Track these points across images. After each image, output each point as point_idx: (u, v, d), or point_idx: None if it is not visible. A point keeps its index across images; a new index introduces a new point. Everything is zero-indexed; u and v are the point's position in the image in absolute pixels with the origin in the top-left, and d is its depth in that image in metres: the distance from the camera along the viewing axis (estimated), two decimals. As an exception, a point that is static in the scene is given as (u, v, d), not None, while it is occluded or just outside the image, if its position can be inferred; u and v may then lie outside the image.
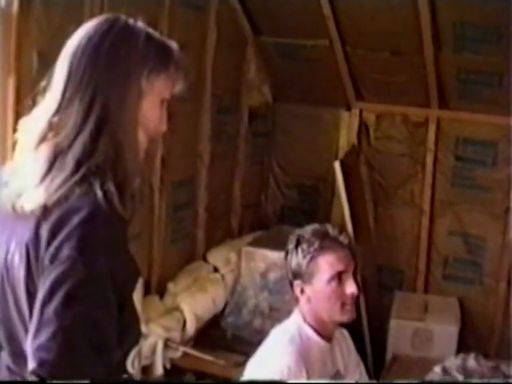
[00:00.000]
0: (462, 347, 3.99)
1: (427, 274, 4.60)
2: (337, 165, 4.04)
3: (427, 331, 4.11)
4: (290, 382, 2.23)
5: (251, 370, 2.40)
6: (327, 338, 2.47)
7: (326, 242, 2.40)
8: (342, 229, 2.69)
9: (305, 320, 2.44)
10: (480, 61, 4.02)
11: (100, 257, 1.43)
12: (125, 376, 1.65)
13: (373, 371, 4.03)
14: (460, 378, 1.68)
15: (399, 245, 4.63)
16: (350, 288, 2.40)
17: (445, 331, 4.07)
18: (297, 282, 2.42)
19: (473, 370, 1.71)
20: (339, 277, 2.39)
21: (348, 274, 2.41)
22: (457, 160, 4.46)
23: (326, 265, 2.39)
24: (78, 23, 1.60)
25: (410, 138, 4.54)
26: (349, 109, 4.68)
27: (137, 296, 2.80)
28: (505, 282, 4.43)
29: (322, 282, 2.39)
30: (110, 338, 1.46)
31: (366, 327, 4.18)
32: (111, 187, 1.48)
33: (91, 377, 1.38)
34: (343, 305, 2.41)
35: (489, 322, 4.53)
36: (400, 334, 4.15)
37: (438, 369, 1.76)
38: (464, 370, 1.71)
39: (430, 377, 1.76)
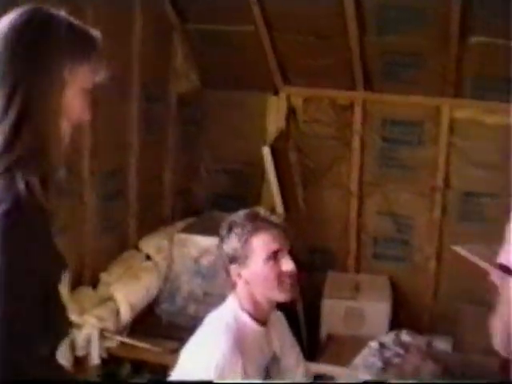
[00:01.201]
0: (394, 324, 4.07)
1: (358, 253, 4.68)
2: (265, 150, 4.06)
3: (359, 309, 4.19)
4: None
5: (186, 358, 2.40)
6: (263, 322, 2.48)
7: (258, 223, 2.42)
8: (272, 211, 2.72)
9: (241, 306, 2.45)
10: (403, 43, 4.09)
11: (21, 249, 1.43)
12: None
13: (308, 351, 4.08)
14: (399, 350, 1.74)
15: (329, 226, 4.69)
16: (287, 266, 2.42)
17: (376, 309, 4.15)
18: (233, 267, 2.43)
19: (408, 343, 1.78)
20: (275, 256, 2.41)
21: (283, 253, 2.44)
22: (383, 141, 4.54)
23: (261, 245, 2.40)
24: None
25: (337, 121, 4.59)
26: (276, 93, 4.69)
27: (63, 288, 2.79)
28: (433, 259, 4.54)
29: (259, 263, 2.40)
30: (31, 329, 1.45)
31: (300, 308, 4.23)
32: (33, 179, 1.47)
33: (12, 367, 1.38)
34: (282, 283, 2.42)
35: (419, 298, 4.63)
36: (333, 313, 4.21)
37: (374, 344, 1.83)
38: (400, 343, 1.78)
39: (365, 352, 1.82)
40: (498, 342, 2.05)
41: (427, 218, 4.54)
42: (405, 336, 1.78)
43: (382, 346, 1.76)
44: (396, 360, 1.70)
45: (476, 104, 4.33)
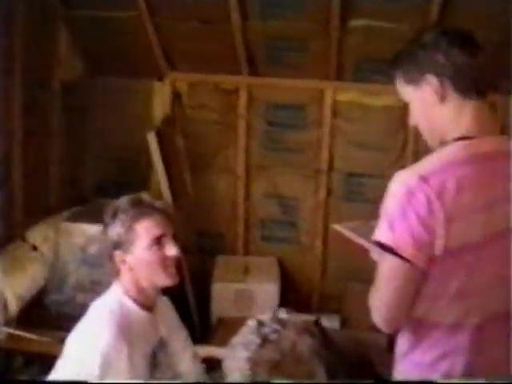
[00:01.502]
0: (284, 304, 4.12)
1: (246, 236, 4.73)
2: (151, 136, 4.05)
3: (248, 291, 4.24)
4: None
5: (71, 347, 2.38)
6: (148, 307, 2.49)
7: (141, 208, 2.43)
8: (161, 198, 2.72)
9: (125, 292, 2.45)
10: (286, 27, 4.13)
11: None
12: None
13: (200, 335, 4.11)
14: (276, 327, 1.78)
15: (217, 210, 4.72)
16: (171, 251, 2.44)
17: (265, 290, 4.20)
18: (117, 253, 2.42)
19: (286, 320, 1.82)
20: (159, 241, 2.43)
21: (167, 238, 2.45)
22: (268, 125, 4.59)
23: (144, 231, 2.41)
24: None
25: (223, 106, 4.61)
26: (161, 79, 4.66)
27: None
28: (320, 240, 4.63)
29: (143, 249, 2.41)
30: None
31: (190, 293, 4.25)
32: None
33: None
34: (166, 268, 2.44)
35: (308, 278, 4.73)
36: (223, 296, 4.24)
37: (252, 322, 1.86)
38: (277, 320, 1.82)
39: (244, 330, 1.85)
40: (376, 317, 2.12)
41: (313, 199, 4.62)
42: (282, 313, 1.83)
43: (260, 323, 1.80)
44: (273, 336, 1.75)
45: (358, 87, 4.44)
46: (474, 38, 2.03)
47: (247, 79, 4.55)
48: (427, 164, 1.95)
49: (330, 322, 4.12)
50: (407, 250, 1.89)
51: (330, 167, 4.56)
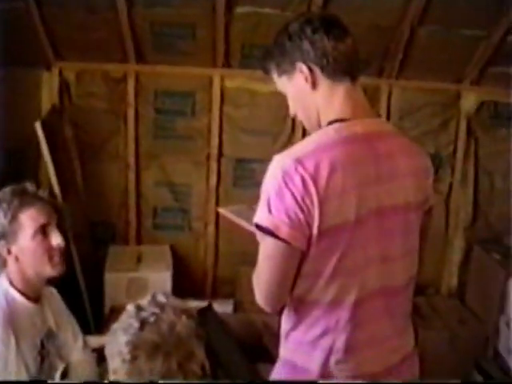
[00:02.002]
0: (177, 291, 4.13)
1: (138, 225, 4.70)
2: (38, 126, 3.98)
3: (141, 280, 4.22)
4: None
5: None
6: (35, 298, 2.47)
7: (24, 198, 2.40)
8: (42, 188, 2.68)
9: (11, 283, 2.42)
10: (172, 14, 4.11)
11: None
12: None
13: (93, 325, 4.08)
14: (155, 310, 1.79)
15: (109, 199, 4.67)
16: (56, 240, 2.42)
17: (158, 278, 4.20)
18: (2, 243, 2.39)
19: (164, 303, 1.82)
20: (43, 230, 2.41)
21: (52, 227, 2.44)
22: (157, 113, 4.56)
23: (28, 220, 2.39)
24: None
25: (111, 94, 4.55)
26: (49, 69, 4.58)
27: None
28: (212, 226, 4.66)
29: (27, 238, 2.39)
30: None
31: (82, 283, 4.20)
32: None
33: None
34: (51, 258, 2.43)
35: (201, 264, 4.75)
36: (116, 285, 4.22)
37: (130, 307, 1.85)
38: (155, 303, 1.83)
39: (124, 316, 1.84)
40: (259, 298, 2.16)
41: (204, 185, 4.64)
42: (160, 297, 1.83)
43: (139, 308, 1.80)
44: (152, 319, 1.75)
45: (246, 73, 4.46)
46: (339, 23, 2.08)
47: (135, 67, 4.50)
48: (302, 147, 2.00)
49: (224, 307, 4.16)
50: (284, 231, 1.93)
51: (220, 153, 4.58)
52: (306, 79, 2.04)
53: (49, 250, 2.42)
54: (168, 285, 4.25)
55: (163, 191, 4.66)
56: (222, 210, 2.64)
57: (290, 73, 2.08)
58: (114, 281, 4.22)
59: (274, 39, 2.11)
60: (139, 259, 4.42)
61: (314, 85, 2.05)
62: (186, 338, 1.76)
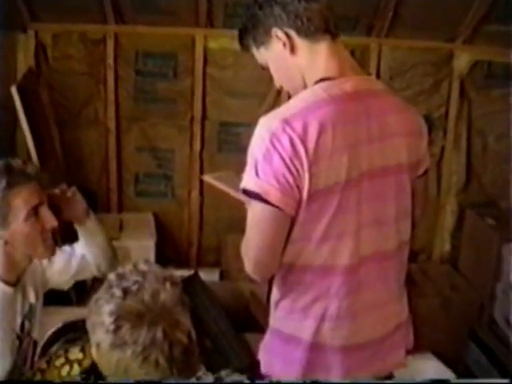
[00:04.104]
0: (161, 260, 4.04)
1: (120, 192, 4.57)
2: (13, 90, 3.83)
3: (124, 248, 4.08)
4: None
5: None
6: (15, 281, 2.33)
7: (12, 178, 2.21)
8: (26, 160, 2.52)
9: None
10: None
11: None
12: None
13: (75, 297, 3.97)
14: (137, 278, 1.70)
15: (88, 166, 4.53)
16: (50, 222, 2.28)
17: (141, 247, 4.09)
18: None
19: (146, 271, 1.75)
20: (35, 212, 2.25)
21: (44, 207, 2.27)
22: (137, 75, 4.41)
23: (20, 202, 2.20)
24: None
25: (90, 56, 4.39)
26: (25, 31, 4.40)
27: None
28: (196, 192, 4.54)
29: (19, 222, 2.21)
30: None
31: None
32: None
33: None
34: (44, 241, 2.29)
35: (186, 232, 4.65)
36: (97, 255, 4.10)
37: (112, 276, 1.77)
38: (137, 271, 1.75)
39: (105, 285, 1.75)
40: (248, 265, 2.08)
41: (187, 150, 4.52)
42: (142, 265, 1.75)
43: (121, 277, 1.72)
44: (134, 287, 1.67)
45: (229, 33, 4.28)
46: None
47: (114, 28, 4.35)
48: (289, 108, 1.94)
49: (210, 276, 4.07)
50: (273, 195, 1.87)
51: (204, 117, 4.45)
52: (284, 44, 1.99)
53: (42, 232, 2.28)
54: (151, 254, 4.15)
55: (145, 157, 4.53)
56: (206, 178, 2.59)
57: (267, 42, 2.02)
58: (95, 250, 4.09)
59: (245, 14, 2.07)
60: (121, 227, 4.31)
61: (292, 49, 1.99)
62: (171, 306, 1.70)
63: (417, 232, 4.56)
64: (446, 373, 3.86)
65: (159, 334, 1.64)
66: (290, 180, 1.86)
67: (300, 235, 1.96)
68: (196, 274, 3.91)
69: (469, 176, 4.67)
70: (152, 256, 4.14)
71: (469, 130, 4.62)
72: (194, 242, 4.64)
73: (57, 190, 2.46)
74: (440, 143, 4.62)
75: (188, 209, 4.60)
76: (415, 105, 4.19)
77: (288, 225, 1.95)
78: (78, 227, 2.63)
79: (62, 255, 2.61)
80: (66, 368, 2.51)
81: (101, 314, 1.68)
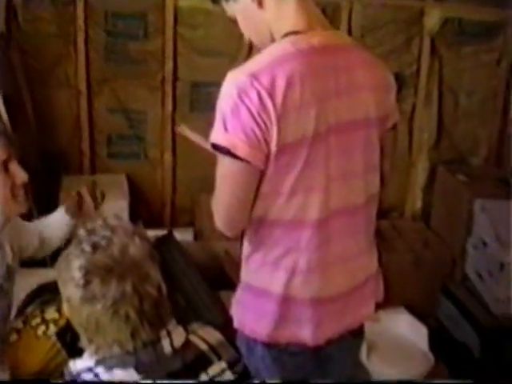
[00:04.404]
0: (135, 221, 4.03)
1: (92, 154, 4.53)
2: (-18, 52, 3.79)
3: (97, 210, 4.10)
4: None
5: None
6: None
7: None
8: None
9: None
10: None
11: None
12: None
13: (49, 259, 3.96)
14: (106, 233, 1.72)
15: (60, 128, 4.48)
16: (20, 176, 2.28)
17: (114, 207, 4.03)
18: None
19: (115, 226, 1.77)
20: (5, 167, 2.25)
21: (13, 163, 2.28)
22: (108, 36, 4.35)
23: None
24: None
25: (60, 17, 4.31)
26: (-5, -6, 4.33)
27: None
28: (169, 152, 4.52)
29: None
30: None
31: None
32: None
33: None
34: (16, 197, 2.29)
35: (159, 193, 4.63)
36: (70, 217, 4.09)
37: (82, 231, 1.78)
38: (107, 226, 1.76)
39: (75, 241, 1.76)
40: (218, 221, 2.10)
41: (159, 111, 4.48)
42: (112, 220, 1.76)
43: (90, 232, 1.74)
44: (103, 242, 1.69)
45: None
46: None
47: (83, -13, 4.27)
48: (257, 62, 1.93)
49: (184, 235, 4.08)
50: (242, 149, 1.88)
51: (176, 77, 4.41)
52: None
53: (12, 188, 2.28)
54: (125, 214, 4.14)
55: (117, 118, 4.49)
56: (182, 128, 2.60)
57: None
58: (68, 212, 4.07)
59: None
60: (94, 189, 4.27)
61: (260, 2, 1.98)
62: (140, 260, 1.71)
63: (389, 189, 4.64)
64: (418, 327, 3.93)
65: (128, 288, 1.66)
66: (258, 134, 1.87)
67: (269, 189, 1.98)
68: (170, 234, 3.91)
69: (440, 133, 4.69)
70: (125, 216, 4.14)
71: (440, 88, 4.62)
72: (167, 203, 4.63)
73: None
74: (411, 100, 4.62)
75: (161, 169, 4.58)
76: (386, 62, 4.19)
77: (257, 179, 1.96)
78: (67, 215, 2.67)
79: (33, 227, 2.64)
80: (42, 328, 2.54)
81: (71, 269, 1.70)
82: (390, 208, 4.75)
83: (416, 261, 4.20)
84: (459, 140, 4.72)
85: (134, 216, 4.21)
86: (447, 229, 4.44)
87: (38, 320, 2.58)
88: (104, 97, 4.45)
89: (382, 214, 4.59)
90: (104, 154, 4.55)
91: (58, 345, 2.55)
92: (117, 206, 4.09)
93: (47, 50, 4.37)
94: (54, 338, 2.55)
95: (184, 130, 2.56)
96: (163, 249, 3.69)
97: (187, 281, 3.56)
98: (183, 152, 4.43)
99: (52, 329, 2.56)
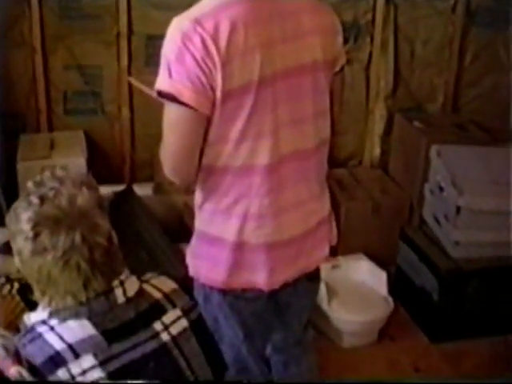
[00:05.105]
0: (95, 178, 4.01)
1: (49, 112, 4.46)
2: None
3: (55, 167, 4.07)
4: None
5: None
6: None
7: None
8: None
9: None
10: None
11: None
12: None
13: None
14: (54, 184, 1.72)
15: (16, 87, 4.40)
16: None
17: (72, 164, 4.03)
18: None
19: (63, 176, 1.76)
20: None
21: None
22: (61, -9, 4.28)
23: None
24: None
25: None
26: None
27: None
28: (127, 108, 4.47)
29: None
30: None
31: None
32: None
33: None
34: None
35: (118, 149, 4.58)
36: (29, 175, 3.95)
37: (29, 184, 1.77)
38: (54, 178, 1.76)
39: (24, 194, 1.76)
40: (166, 169, 2.11)
41: (115, 66, 4.41)
42: (60, 171, 1.77)
43: (38, 184, 1.74)
44: (51, 193, 1.69)
45: None
46: None
47: None
48: (201, 8, 1.94)
49: (143, 190, 4.07)
50: (187, 96, 1.90)
51: (131, 31, 4.35)
52: None
53: None
54: (83, 171, 4.10)
55: (73, 74, 4.41)
56: (131, 79, 2.60)
57: None
58: (26, 170, 4.03)
59: None
60: (52, 146, 4.24)
61: None
62: (88, 210, 1.72)
63: (347, 138, 4.68)
64: (377, 272, 3.99)
65: (78, 238, 1.67)
66: (203, 80, 1.88)
67: (217, 136, 1.99)
68: (129, 189, 3.92)
69: (396, 81, 4.69)
70: (83, 173, 4.11)
71: (395, 36, 4.61)
72: (126, 158, 4.58)
73: None
74: (367, 49, 4.61)
75: (119, 125, 4.52)
76: (342, 11, 4.26)
77: (204, 125, 1.96)
78: None
79: None
80: (7, 286, 2.54)
81: (19, 222, 1.70)
82: (348, 157, 4.78)
83: (375, 208, 4.24)
84: (416, 87, 4.74)
85: (94, 173, 4.16)
86: (405, 175, 4.48)
87: (3, 280, 2.59)
88: (59, 54, 4.37)
89: (340, 162, 4.70)
90: (61, 111, 4.48)
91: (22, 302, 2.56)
92: (75, 162, 4.08)
93: (1, 10, 4.27)
94: (17, 296, 2.56)
95: (134, 81, 2.56)
96: (124, 204, 3.70)
97: (148, 235, 3.58)
98: (140, 107, 4.39)
99: (16, 287, 2.57)
